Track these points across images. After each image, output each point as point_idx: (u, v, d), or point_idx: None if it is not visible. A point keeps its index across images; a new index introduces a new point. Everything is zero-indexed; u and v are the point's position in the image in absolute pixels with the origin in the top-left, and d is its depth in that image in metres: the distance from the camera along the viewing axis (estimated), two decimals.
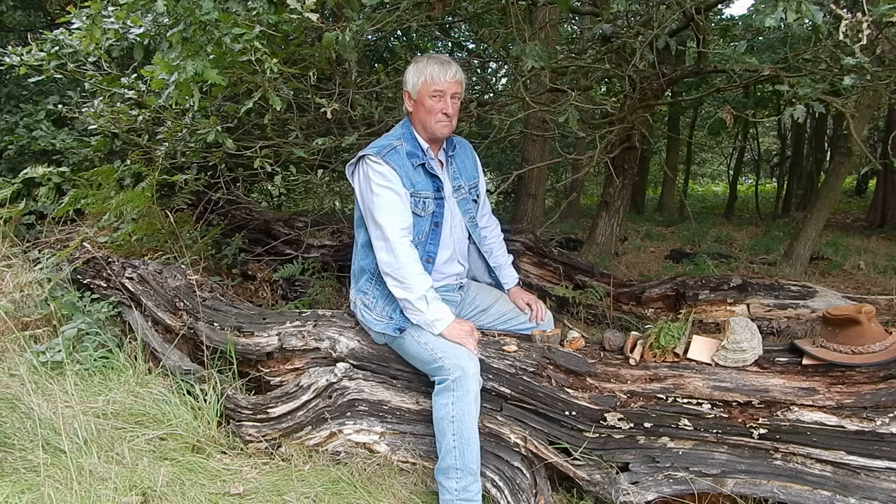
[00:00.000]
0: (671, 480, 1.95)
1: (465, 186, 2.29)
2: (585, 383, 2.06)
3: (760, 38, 6.28)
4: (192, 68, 2.13)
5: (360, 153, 2.10)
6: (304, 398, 2.27)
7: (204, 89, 2.95)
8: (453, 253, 2.24)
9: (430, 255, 2.14)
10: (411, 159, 2.10)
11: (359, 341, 2.31)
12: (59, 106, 4.22)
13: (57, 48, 3.09)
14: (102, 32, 2.60)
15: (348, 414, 2.27)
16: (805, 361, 1.92)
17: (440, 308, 2.03)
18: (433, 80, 2.04)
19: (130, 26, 2.60)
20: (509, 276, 2.45)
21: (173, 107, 3.01)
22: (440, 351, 1.98)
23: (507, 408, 2.13)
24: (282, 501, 2.05)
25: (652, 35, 2.99)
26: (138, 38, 2.61)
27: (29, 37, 3.60)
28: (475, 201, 2.35)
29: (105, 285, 3.21)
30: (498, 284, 2.45)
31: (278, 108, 2.40)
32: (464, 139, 2.40)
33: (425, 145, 2.14)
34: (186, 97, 2.47)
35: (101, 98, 3.50)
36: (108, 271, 3.19)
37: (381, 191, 2.03)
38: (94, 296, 3.18)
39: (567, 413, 2.04)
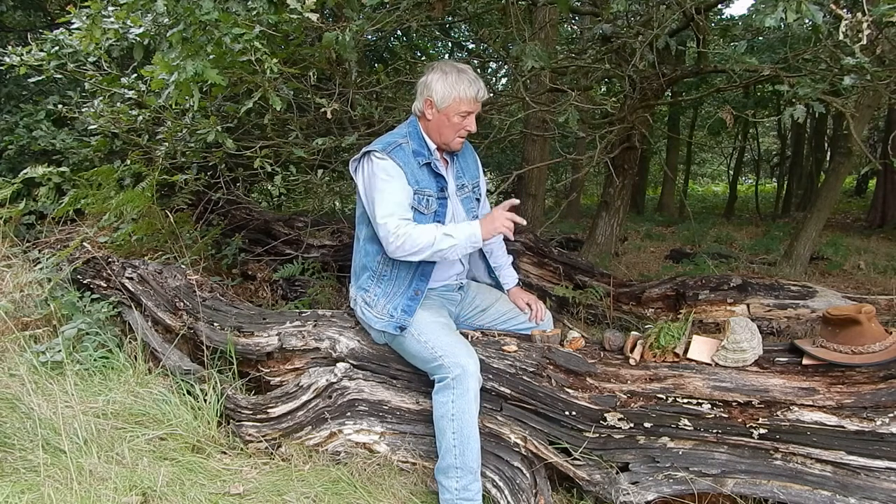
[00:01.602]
0: (671, 480, 1.94)
1: (468, 185, 2.30)
2: (585, 383, 2.06)
3: (760, 38, 6.29)
4: (192, 68, 2.13)
5: (365, 149, 2.10)
6: (304, 398, 2.27)
7: (204, 89, 2.95)
8: None
9: None
10: (417, 157, 2.10)
11: (359, 341, 2.31)
12: (59, 106, 4.21)
13: (57, 48, 3.09)
14: (102, 32, 2.60)
15: (348, 414, 2.27)
16: (805, 361, 1.92)
17: (462, 230, 1.98)
18: (465, 99, 2.05)
19: (130, 26, 2.60)
20: (509, 277, 2.46)
21: (173, 107, 3.01)
22: (440, 349, 1.98)
23: (507, 408, 2.13)
24: (282, 501, 2.05)
25: (652, 35, 2.99)
26: (138, 38, 2.61)
27: (29, 37, 3.61)
28: (478, 200, 2.36)
29: (105, 285, 3.21)
30: (498, 285, 2.46)
31: (278, 108, 2.40)
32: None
33: (432, 146, 2.15)
34: (186, 97, 2.47)
35: (101, 98, 3.50)
36: (108, 271, 3.19)
37: (385, 185, 2.03)
38: (94, 296, 3.18)
39: (567, 413, 2.04)
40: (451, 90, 2.04)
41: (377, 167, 2.05)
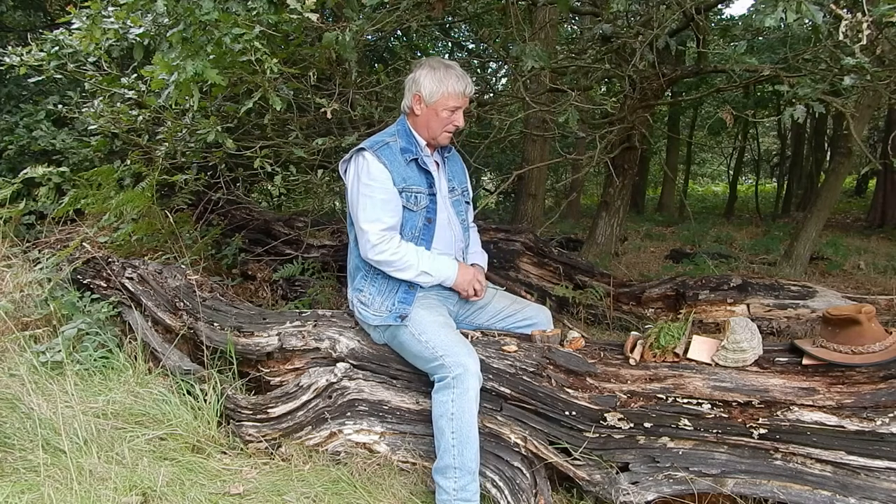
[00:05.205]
0: (671, 480, 1.94)
1: (458, 189, 2.35)
2: (585, 383, 2.06)
3: (760, 38, 6.27)
4: (192, 68, 2.14)
5: (354, 149, 2.15)
6: (304, 398, 2.27)
7: (204, 89, 2.95)
8: (447, 250, 2.24)
9: None
10: (404, 154, 2.13)
11: (359, 341, 2.31)
12: (59, 106, 4.22)
13: (57, 48, 3.09)
14: (102, 32, 2.60)
15: (348, 414, 2.27)
16: (805, 361, 1.92)
17: (442, 267, 2.13)
18: (454, 94, 2.10)
19: (130, 26, 2.60)
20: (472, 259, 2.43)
21: (173, 107, 3.01)
22: (441, 349, 1.98)
23: (507, 408, 2.13)
24: (282, 501, 2.05)
25: (652, 35, 2.99)
26: (138, 38, 2.61)
27: (29, 37, 3.61)
28: (467, 203, 2.41)
29: (105, 285, 3.21)
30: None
31: (278, 108, 2.41)
32: (454, 149, 2.47)
33: (422, 142, 2.19)
34: (186, 97, 2.47)
35: (101, 98, 3.50)
36: (108, 271, 3.19)
37: (369, 190, 2.07)
38: (94, 296, 3.18)
39: (567, 413, 2.04)
40: (439, 85, 2.08)
41: (363, 169, 2.08)
